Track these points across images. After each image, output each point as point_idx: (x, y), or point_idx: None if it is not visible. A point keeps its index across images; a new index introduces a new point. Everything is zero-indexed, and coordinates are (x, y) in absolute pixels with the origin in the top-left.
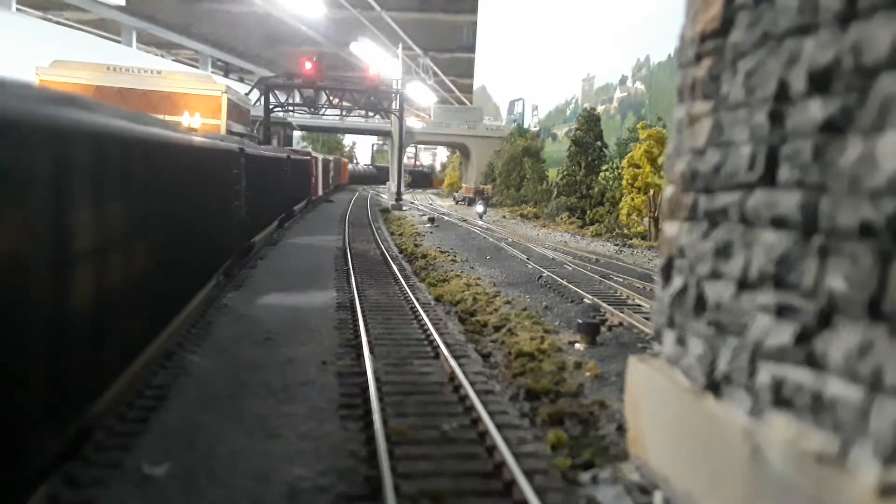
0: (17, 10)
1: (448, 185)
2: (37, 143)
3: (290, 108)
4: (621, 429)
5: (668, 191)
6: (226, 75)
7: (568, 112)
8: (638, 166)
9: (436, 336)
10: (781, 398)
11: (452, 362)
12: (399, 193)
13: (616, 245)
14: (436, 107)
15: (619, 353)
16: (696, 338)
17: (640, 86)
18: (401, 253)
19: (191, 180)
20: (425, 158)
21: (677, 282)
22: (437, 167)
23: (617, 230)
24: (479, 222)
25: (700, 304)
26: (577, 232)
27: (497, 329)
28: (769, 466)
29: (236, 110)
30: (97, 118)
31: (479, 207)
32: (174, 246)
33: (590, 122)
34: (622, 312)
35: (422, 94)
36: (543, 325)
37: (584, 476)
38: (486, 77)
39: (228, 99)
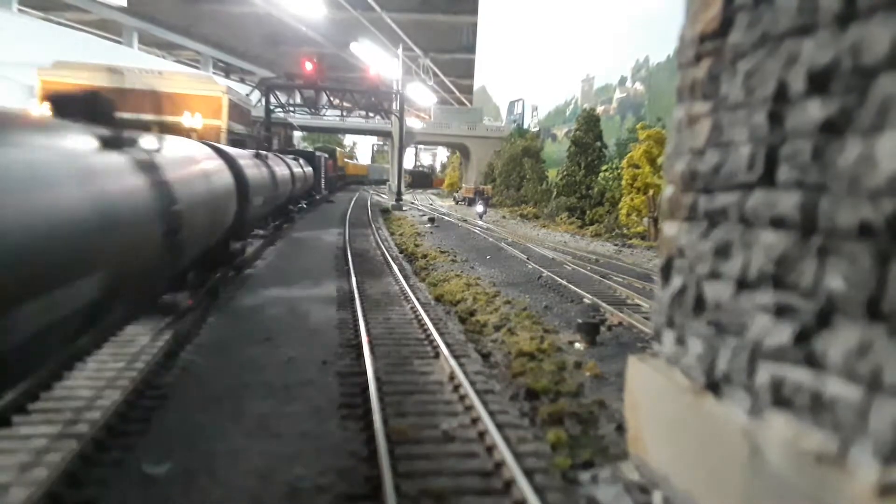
0: (19, 10)
1: (448, 185)
2: None
3: (291, 108)
4: (621, 428)
5: (668, 191)
6: (227, 76)
7: (568, 112)
8: (637, 166)
9: (436, 336)
10: (781, 398)
11: (452, 362)
12: (399, 194)
13: (616, 245)
14: (436, 107)
15: (618, 352)
16: (695, 338)
17: (639, 86)
18: (401, 253)
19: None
20: (425, 158)
21: (677, 282)
22: (437, 167)
23: (616, 230)
24: (479, 222)
25: (699, 304)
26: (576, 232)
27: (497, 329)
28: (768, 466)
29: (237, 111)
30: None
31: (479, 207)
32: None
33: (589, 123)
34: (622, 312)
35: (422, 95)
36: (543, 324)
37: (584, 475)
38: (486, 77)
39: (229, 99)
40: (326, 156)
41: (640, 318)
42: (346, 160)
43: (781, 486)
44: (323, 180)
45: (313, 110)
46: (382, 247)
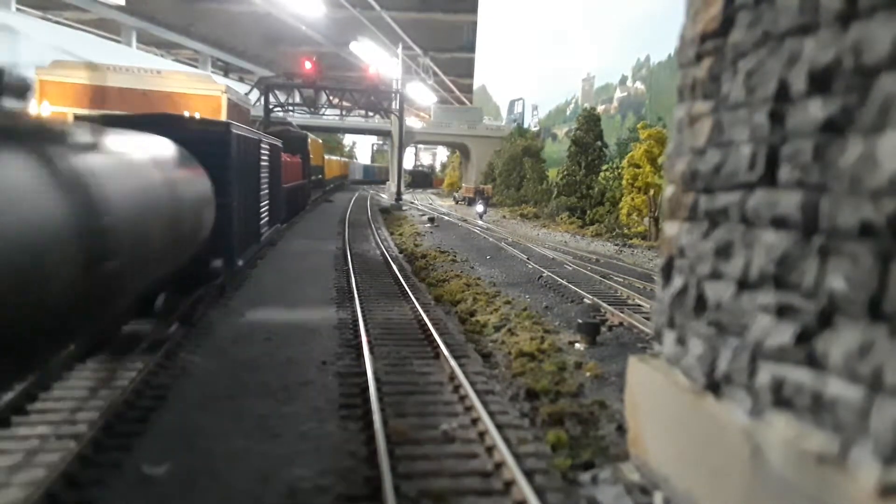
0: (17, 9)
1: (448, 185)
2: None
3: (290, 107)
4: (621, 429)
5: (669, 191)
6: (226, 75)
7: (568, 112)
8: (638, 166)
9: (436, 336)
10: (782, 398)
11: (452, 362)
12: (399, 193)
13: (616, 245)
14: (436, 107)
15: (619, 353)
16: (696, 338)
17: (640, 86)
18: (401, 253)
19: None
20: (425, 158)
21: (678, 282)
22: (437, 167)
23: (617, 230)
24: (479, 222)
25: (700, 304)
26: (577, 232)
27: (497, 329)
28: (769, 466)
29: (236, 110)
30: None
31: (479, 207)
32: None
33: (590, 122)
34: (622, 312)
35: (422, 94)
36: (543, 325)
37: (584, 476)
38: (486, 77)
39: (228, 99)
40: (281, 144)
41: (640, 318)
42: (326, 157)
43: (782, 486)
44: (266, 205)
45: (312, 109)
46: (382, 246)
